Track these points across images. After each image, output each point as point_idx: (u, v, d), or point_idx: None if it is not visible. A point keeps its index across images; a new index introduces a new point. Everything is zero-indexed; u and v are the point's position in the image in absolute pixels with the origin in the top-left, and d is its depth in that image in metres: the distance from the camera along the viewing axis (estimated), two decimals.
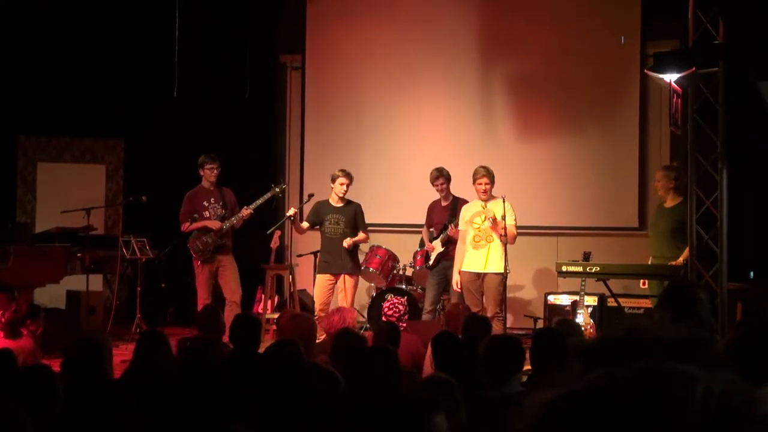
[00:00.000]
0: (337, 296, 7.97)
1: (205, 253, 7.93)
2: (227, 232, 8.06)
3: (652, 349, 1.10)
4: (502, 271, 7.32)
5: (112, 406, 2.44)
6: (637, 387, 0.77)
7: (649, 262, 7.50)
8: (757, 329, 1.27)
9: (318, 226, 8.06)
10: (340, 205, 7.97)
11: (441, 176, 7.96)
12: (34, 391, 2.89)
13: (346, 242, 7.84)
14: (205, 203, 8.06)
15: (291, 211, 8.04)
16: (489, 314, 7.28)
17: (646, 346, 1.12)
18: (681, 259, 7.08)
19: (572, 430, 0.78)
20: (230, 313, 7.63)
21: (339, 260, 7.90)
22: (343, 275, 7.90)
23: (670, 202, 7.48)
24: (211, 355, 4.05)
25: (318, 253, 8.41)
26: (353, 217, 7.99)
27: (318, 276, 8.01)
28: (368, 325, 8.34)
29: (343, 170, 7.97)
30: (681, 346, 1.12)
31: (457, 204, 7.98)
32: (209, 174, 8.08)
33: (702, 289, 4.33)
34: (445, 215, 8.03)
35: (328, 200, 8.07)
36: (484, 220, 7.31)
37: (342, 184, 7.89)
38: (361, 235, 8.03)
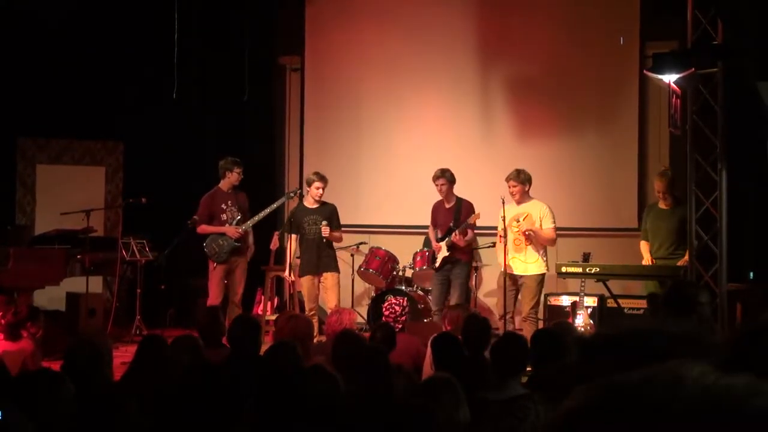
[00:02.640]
0: (322, 295, 7.95)
1: (221, 255, 7.98)
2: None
3: (653, 344, 1.10)
4: (541, 271, 7.48)
5: (111, 408, 2.44)
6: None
7: (643, 263, 7.52)
8: (752, 328, 1.27)
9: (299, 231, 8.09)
10: (316, 206, 7.99)
11: (442, 177, 7.93)
12: (41, 393, 2.89)
13: (324, 230, 7.84)
14: (223, 206, 8.10)
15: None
16: (523, 315, 7.31)
17: (648, 342, 1.11)
18: (686, 258, 7.08)
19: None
20: (230, 313, 7.66)
21: (317, 259, 7.94)
22: (322, 273, 7.92)
23: (666, 205, 7.46)
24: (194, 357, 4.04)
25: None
26: (329, 216, 7.99)
27: (302, 279, 8.03)
28: (367, 327, 8.33)
29: (317, 173, 8.02)
30: (681, 341, 1.12)
31: (461, 206, 7.96)
32: (236, 178, 8.11)
33: (703, 290, 4.33)
34: (449, 217, 8.00)
35: (303, 204, 8.10)
36: (520, 232, 7.44)
37: (318, 188, 7.93)
38: (336, 233, 8.02)
